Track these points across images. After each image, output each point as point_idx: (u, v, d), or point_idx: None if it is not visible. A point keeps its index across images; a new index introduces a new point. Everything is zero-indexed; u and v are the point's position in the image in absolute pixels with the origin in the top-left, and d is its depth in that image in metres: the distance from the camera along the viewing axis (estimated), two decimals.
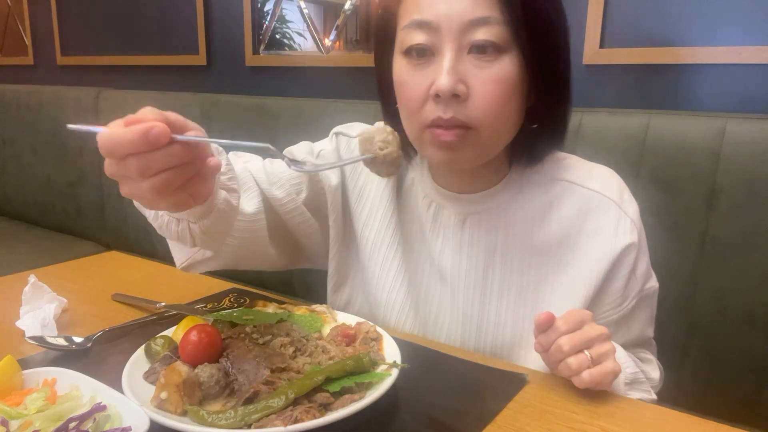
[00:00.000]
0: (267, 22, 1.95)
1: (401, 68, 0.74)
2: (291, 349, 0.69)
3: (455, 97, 0.70)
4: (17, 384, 0.63)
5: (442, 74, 0.69)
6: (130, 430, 0.56)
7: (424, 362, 0.75)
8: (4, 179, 2.68)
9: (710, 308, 1.15)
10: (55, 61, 2.69)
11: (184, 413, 0.60)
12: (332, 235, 0.94)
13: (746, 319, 1.12)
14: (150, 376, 0.66)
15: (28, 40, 2.81)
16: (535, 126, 0.77)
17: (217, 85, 2.12)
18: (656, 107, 1.25)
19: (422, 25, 0.71)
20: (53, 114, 2.39)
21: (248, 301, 0.91)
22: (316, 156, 0.93)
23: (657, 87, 1.32)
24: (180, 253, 0.85)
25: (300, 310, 0.81)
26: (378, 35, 0.81)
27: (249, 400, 0.60)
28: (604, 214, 0.79)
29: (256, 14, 1.96)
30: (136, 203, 0.67)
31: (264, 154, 0.76)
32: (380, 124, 0.69)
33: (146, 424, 0.55)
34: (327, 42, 1.85)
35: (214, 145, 0.73)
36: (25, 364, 0.68)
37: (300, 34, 1.91)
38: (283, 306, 0.83)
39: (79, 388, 0.62)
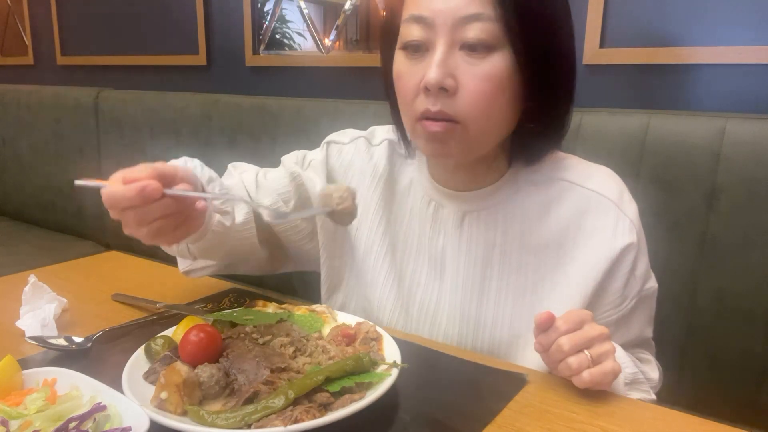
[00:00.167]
0: (267, 22, 1.95)
1: (399, 62, 0.76)
2: (291, 349, 0.69)
3: (443, 91, 0.71)
4: (17, 384, 0.63)
5: (431, 68, 0.70)
6: (130, 430, 0.56)
7: (424, 362, 0.75)
8: (4, 179, 2.68)
9: (710, 308, 1.15)
10: (55, 61, 2.69)
11: (184, 413, 0.60)
12: (321, 241, 0.96)
13: (746, 320, 1.12)
14: (150, 376, 0.66)
15: (28, 40, 2.81)
16: (533, 125, 0.77)
17: (217, 85, 2.12)
18: (656, 107, 1.25)
19: (418, 20, 0.72)
20: (53, 114, 2.39)
21: (248, 301, 0.91)
22: (307, 166, 0.96)
23: (657, 87, 1.32)
24: (182, 262, 0.95)
25: (300, 310, 0.81)
26: (383, 30, 0.82)
27: (249, 400, 0.61)
28: (603, 214, 0.79)
29: (256, 14, 1.96)
30: None
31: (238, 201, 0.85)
32: (337, 186, 0.71)
33: (146, 424, 0.55)
34: (327, 42, 1.85)
35: (209, 171, 0.85)
36: (25, 364, 0.68)
37: (300, 34, 1.91)
38: (283, 306, 0.83)
39: (79, 388, 0.62)
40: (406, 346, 0.73)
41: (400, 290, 0.89)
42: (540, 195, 0.82)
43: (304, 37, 1.90)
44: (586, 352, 0.67)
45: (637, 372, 0.80)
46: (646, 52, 1.30)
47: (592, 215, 0.79)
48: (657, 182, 1.16)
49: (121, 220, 0.66)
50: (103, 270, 1.15)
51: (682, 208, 1.15)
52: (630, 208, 0.80)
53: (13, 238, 2.40)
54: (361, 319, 0.79)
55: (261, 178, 0.97)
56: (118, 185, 0.64)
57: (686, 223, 1.15)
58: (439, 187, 0.86)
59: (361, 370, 0.65)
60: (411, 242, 0.89)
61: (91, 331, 0.81)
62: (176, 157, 0.88)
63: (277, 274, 1.04)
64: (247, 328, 0.73)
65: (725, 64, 1.23)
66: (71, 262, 1.20)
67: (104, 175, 0.68)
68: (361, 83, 1.74)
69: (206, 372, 0.63)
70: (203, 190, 0.77)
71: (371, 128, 0.97)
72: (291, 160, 0.98)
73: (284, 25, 1.94)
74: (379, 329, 0.76)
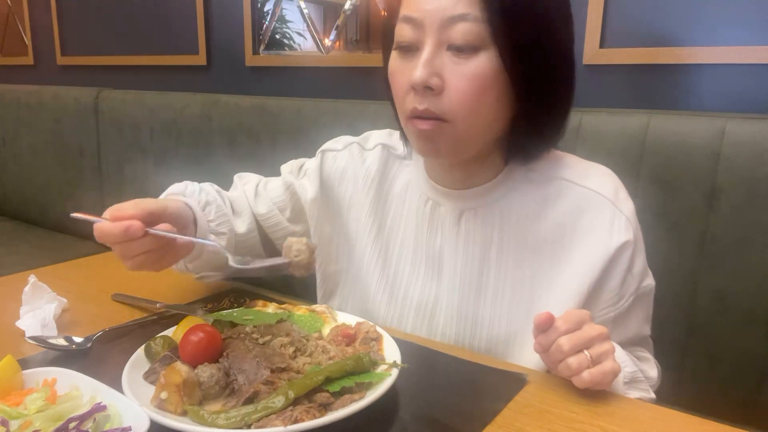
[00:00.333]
0: (267, 22, 1.95)
1: (393, 61, 0.78)
2: (291, 349, 0.69)
3: (429, 90, 0.72)
4: (17, 384, 0.63)
5: (417, 68, 0.72)
6: (130, 430, 0.56)
7: (424, 362, 0.75)
8: (4, 179, 2.68)
9: (710, 308, 1.15)
10: (55, 61, 2.69)
11: (184, 413, 0.60)
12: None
13: (746, 319, 1.12)
14: (150, 376, 0.66)
15: (28, 40, 2.81)
16: (527, 124, 0.78)
17: (217, 85, 2.12)
18: (656, 107, 1.25)
19: (409, 21, 0.73)
20: (53, 114, 2.39)
21: (248, 301, 0.91)
22: (303, 175, 0.99)
23: (657, 87, 1.32)
24: (187, 271, 0.97)
25: (300, 310, 0.81)
26: (382, 31, 0.83)
27: (249, 400, 0.61)
28: (599, 212, 0.79)
29: (256, 14, 1.96)
30: None
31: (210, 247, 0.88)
32: (298, 240, 0.75)
33: (146, 424, 0.56)
34: (327, 42, 1.85)
35: (206, 196, 0.92)
36: (25, 364, 0.68)
37: (300, 34, 1.91)
38: (283, 306, 0.83)
39: (79, 388, 0.62)
40: (406, 346, 0.73)
41: (396, 291, 0.90)
42: (537, 193, 0.82)
43: (304, 37, 1.90)
44: (585, 352, 0.67)
45: (636, 371, 0.80)
46: (646, 52, 1.30)
47: (588, 213, 0.80)
48: (657, 182, 1.17)
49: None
50: (103, 270, 1.15)
51: (682, 208, 1.15)
52: (626, 206, 0.80)
53: (13, 238, 2.40)
54: (361, 319, 0.79)
55: (261, 188, 1.01)
56: (107, 222, 0.73)
57: (686, 223, 1.15)
58: (436, 185, 0.86)
59: (361, 370, 0.65)
60: (407, 243, 0.89)
61: (91, 331, 0.81)
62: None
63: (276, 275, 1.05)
64: (247, 328, 0.73)
65: (725, 64, 1.23)
66: (71, 262, 1.20)
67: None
68: (361, 83, 1.74)
69: (206, 372, 0.63)
70: (194, 220, 0.86)
71: (366, 133, 0.98)
72: (287, 169, 1.02)
73: (284, 25, 1.94)
74: (379, 329, 0.76)
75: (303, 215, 0.99)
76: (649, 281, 0.83)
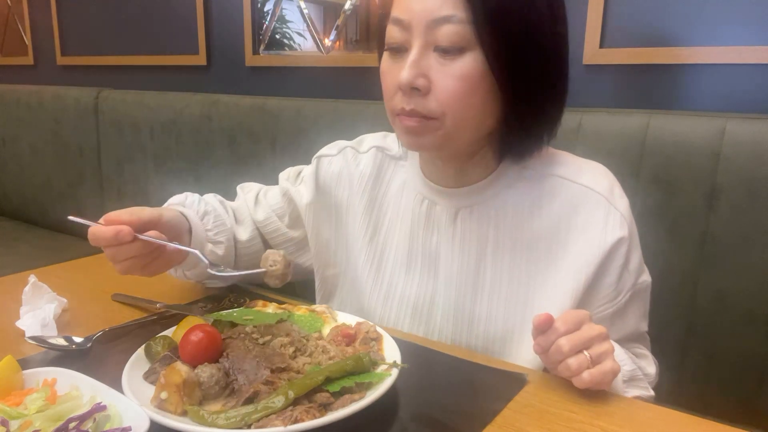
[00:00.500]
0: (267, 22, 1.95)
1: (384, 62, 0.79)
2: (291, 349, 0.69)
3: (416, 91, 0.73)
4: (17, 384, 0.63)
5: (404, 69, 0.73)
6: (130, 430, 0.56)
7: (424, 362, 0.75)
8: (4, 179, 2.68)
9: (710, 308, 1.15)
10: (55, 61, 2.69)
11: (184, 413, 0.60)
12: (313, 250, 1.00)
13: (746, 319, 1.12)
14: (150, 376, 0.66)
15: (28, 40, 2.81)
16: (518, 123, 0.78)
17: (217, 85, 2.12)
18: (656, 107, 1.25)
19: (398, 23, 0.75)
20: (53, 114, 2.39)
21: (248, 301, 0.91)
22: (300, 181, 1.01)
23: (657, 87, 1.32)
24: (185, 278, 0.98)
25: (300, 310, 0.81)
26: (377, 32, 0.85)
27: (249, 400, 0.61)
28: (594, 208, 0.80)
29: (256, 14, 1.96)
30: None
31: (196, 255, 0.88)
32: (274, 252, 0.77)
33: (146, 424, 0.56)
34: (327, 42, 1.85)
35: (204, 206, 0.95)
36: (25, 364, 0.68)
37: (300, 34, 1.92)
38: (283, 306, 0.83)
39: (79, 388, 0.62)
40: (405, 347, 0.73)
41: (393, 291, 0.90)
42: (532, 190, 0.83)
43: (304, 37, 1.90)
44: (585, 352, 0.67)
45: (635, 369, 0.80)
46: (646, 52, 1.30)
47: (583, 210, 0.80)
48: (657, 182, 1.17)
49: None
50: (103, 270, 1.14)
51: (682, 208, 1.15)
52: (621, 202, 0.81)
53: (13, 238, 2.40)
54: (361, 319, 0.79)
55: (261, 196, 1.03)
56: (100, 226, 0.76)
57: (686, 223, 1.15)
58: (431, 184, 0.87)
59: (361, 370, 0.65)
60: (404, 242, 0.90)
61: (91, 331, 0.81)
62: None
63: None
64: (247, 328, 0.73)
65: (725, 64, 1.23)
66: (71, 262, 1.20)
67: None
68: (361, 83, 1.74)
69: (206, 372, 0.63)
70: (189, 230, 0.89)
71: (360, 137, 1.00)
72: (284, 176, 1.04)
73: (284, 25, 1.94)
74: (379, 329, 0.76)
75: (301, 221, 1.00)
76: (646, 277, 0.84)
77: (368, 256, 0.93)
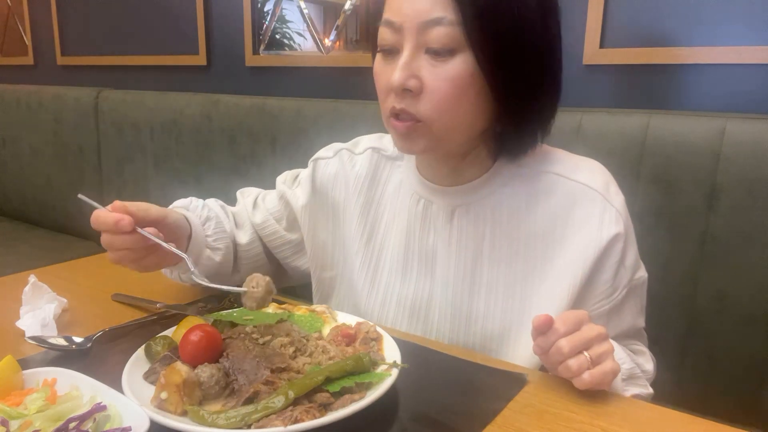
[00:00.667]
0: (267, 22, 1.95)
1: (376, 63, 0.80)
2: (291, 349, 0.69)
3: (408, 92, 0.74)
4: (17, 384, 0.63)
5: (395, 70, 0.74)
6: (130, 430, 0.56)
7: (424, 362, 0.75)
8: (4, 179, 2.68)
9: (710, 308, 1.15)
10: (55, 61, 2.69)
11: (184, 413, 0.60)
12: (309, 252, 1.00)
13: (746, 319, 1.12)
14: (150, 376, 0.66)
15: (28, 40, 2.81)
16: (510, 122, 0.78)
17: (217, 85, 2.12)
18: (656, 107, 1.26)
19: (389, 25, 0.75)
20: (53, 114, 2.39)
21: None
22: (297, 184, 1.02)
23: (657, 87, 1.32)
24: (181, 281, 0.99)
25: (300, 310, 0.81)
26: (370, 35, 0.84)
27: (249, 400, 0.61)
28: (589, 205, 0.80)
29: (256, 14, 1.96)
30: None
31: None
32: (258, 275, 0.75)
33: (146, 424, 0.56)
34: (327, 42, 1.85)
35: (207, 211, 0.96)
36: (25, 364, 0.68)
37: (300, 34, 1.92)
38: (283, 306, 0.83)
39: (79, 388, 0.62)
40: (406, 347, 0.73)
41: (390, 291, 0.90)
42: (527, 188, 0.83)
43: (304, 37, 1.90)
44: (585, 353, 0.67)
45: (634, 367, 0.81)
46: (646, 52, 1.30)
47: (579, 207, 0.80)
48: (657, 182, 1.17)
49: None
50: (103, 270, 1.15)
51: (682, 208, 1.15)
52: (616, 199, 0.81)
53: (13, 238, 2.40)
54: (361, 319, 0.79)
55: (260, 200, 1.05)
56: (104, 211, 0.78)
57: (686, 223, 1.15)
58: (427, 183, 0.87)
59: (361, 370, 0.65)
60: (401, 242, 0.90)
61: (91, 331, 0.81)
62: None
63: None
64: (247, 328, 0.73)
65: (725, 64, 1.23)
66: (71, 262, 1.20)
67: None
68: (361, 83, 1.74)
69: (206, 372, 0.63)
70: (189, 234, 0.90)
71: (356, 139, 1.00)
72: (281, 179, 1.05)
73: (284, 25, 1.94)
74: (379, 329, 0.76)
75: (298, 224, 1.01)
76: (642, 273, 0.84)
77: (365, 258, 0.93)
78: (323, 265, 0.99)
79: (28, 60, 2.83)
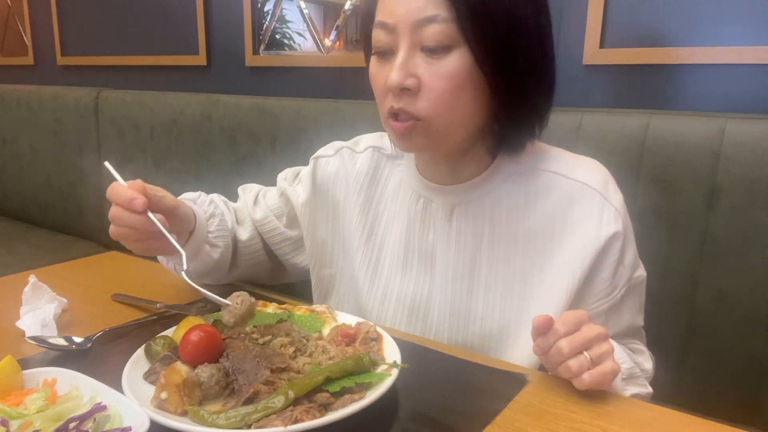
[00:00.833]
0: (267, 22, 1.95)
1: (372, 65, 0.80)
2: (291, 349, 0.69)
3: (406, 91, 0.74)
4: (17, 384, 0.63)
5: (393, 70, 0.74)
6: (130, 430, 0.56)
7: (424, 362, 0.75)
8: (4, 179, 2.68)
9: (710, 308, 1.15)
10: (55, 61, 2.69)
11: (184, 413, 0.60)
12: (309, 250, 1.01)
13: (746, 319, 1.12)
14: (150, 376, 0.66)
15: (28, 40, 2.81)
16: (507, 118, 0.79)
17: (217, 85, 2.12)
18: (656, 107, 1.25)
19: (383, 26, 0.76)
20: (53, 114, 2.39)
21: None
22: (297, 182, 1.02)
23: (657, 87, 1.32)
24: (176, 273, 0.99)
25: (300, 310, 0.81)
26: (363, 37, 0.85)
27: (249, 400, 0.61)
28: (588, 204, 0.80)
29: (256, 14, 1.96)
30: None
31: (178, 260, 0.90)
32: (243, 294, 0.75)
33: (146, 424, 0.56)
34: (327, 42, 1.85)
35: (213, 208, 0.98)
36: (25, 364, 0.68)
37: (300, 34, 1.92)
38: (283, 306, 0.83)
39: (79, 388, 0.62)
40: (406, 346, 0.73)
41: (390, 290, 0.91)
42: (526, 186, 0.83)
43: (304, 37, 1.90)
44: (585, 353, 0.67)
45: (634, 366, 0.81)
46: (646, 52, 1.30)
47: (577, 205, 0.80)
48: (657, 182, 1.17)
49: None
50: (103, 270, 1.15)
51: (682, 208, 1.15)
52: (615, 197, 0.81)
53: (13, 238, 2.40)
54: (361, 319, 0.79)
55: (261, 197, 1.05)
56: (123, 185, 0.78)
57: (686, 223, 1.15)
58: (427, 182, 0.87)
59: (361, 370, 0.65)
60: (400, 240, 0.90)
61: (91, 331, 0.81)
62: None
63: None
64: (247, 328, 0.73)
65: (725, 64, 1.23)
66: (71, 262, 1.20)
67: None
68: (361, 83, 1.73)
69: (206, 372, 0.63)
70: (192, 229, 0.91)
71: (357, 137, 1.00)
72: (282, 177, 1.05)
73: (284, 25, 1.94)
74: (379, 329, 0.76)
75: (298, 221, 1.01)
76: (641, 272, 0.84)
77: (365, 256, 0.93)
78: (322, 262, 0.99)
79: (28, 60, 2.83)
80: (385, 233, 0.92)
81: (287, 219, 1.02)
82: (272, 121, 1.73)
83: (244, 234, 1.01)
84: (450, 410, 0.65)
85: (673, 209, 1.16)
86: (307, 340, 0.71)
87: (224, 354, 0.67)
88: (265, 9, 1.94)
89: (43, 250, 2.21)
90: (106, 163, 0.83)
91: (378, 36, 0.77)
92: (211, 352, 0.67)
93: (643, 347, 0.89)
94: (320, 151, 1.01)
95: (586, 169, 0.83)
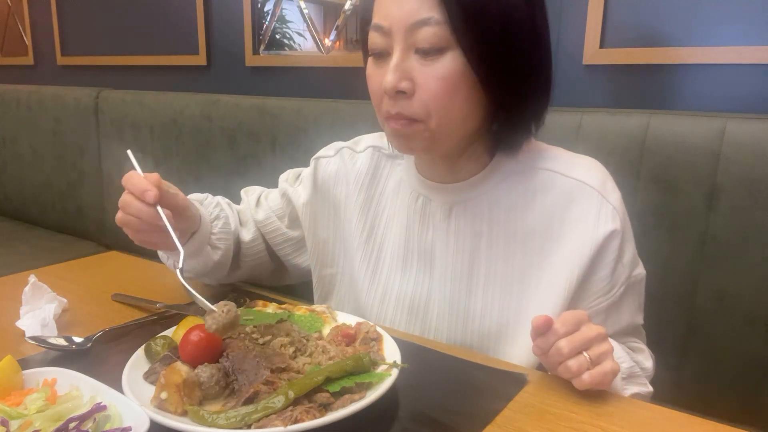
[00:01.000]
0: (267, 22, 1.95)
1: (369, 67, 0.81)
2: (291, 349, 0.69)
3: (401, 93, 0.75)
4: (17, 384, 0.63)
5: (387, 73, 0.74)
6: (130, 430, 0.56)
7: (424, 362, 0.75)
8: (4, 179, 2.68)
9: (710, 308, 1.15)
10: (55, 61, 2.69)
11: (184, 413, 0.60)
12: (310, 249, 1.01)
13: (746, 319, 1.12)
14: (150, 376, 0.66)
15: (28, 40, 2.81)
16: (505, 117, 0.79)
17: (217, 85, 2.12)
18: (656, 107, 1.25)
19: (378, 29, 0.76)
20: (53, 114, 2.39)
21: (248, 301, 0.91)
22: (299, 183, 1.03)
23: (657, 87, 1.32)
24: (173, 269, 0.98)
25: (300, 310, 0.81)
26: (360, 40, 0.86)
27: (249, 400, 0.61)
28: (586, 202, 0.80)
29: (256, 14, 1.96)
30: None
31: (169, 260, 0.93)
32: (230, 303, 0.74)
33: (146, 424, 0.56)
34: (327, 42, 1.85)
35: (218, 210, 0.98)
36: (25, 364, 0.68)
37: (300, 34, 1.92)
38: (283, 306, 0.83)
39: (79, 388, 0.62)
40: (406, 346, 0.73)
41: (389, 289, 0.91)
42: (524, 184, 0.83)
43: (304, 37, 1.90)
44: (585, 353, 0.67)
45: (634, 365, 0.81)
46: (646, 52, 1.30)
47: (575, 203, 0.81)
48: (657, 182, 1.17)
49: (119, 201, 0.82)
50: (103, 270, 1.15)
51: (682, 208, 1.15)
52: (613, 195, 0.81)
53: (13, 238, 2.40)
54: (361, 319, 0.79)
55: (263, 198, 1.06)
56: (139, 175, 0.80)
57: (686, 223, 1.15)
58: (426, 181, 0.88)
59: (361, 370, 0.65)
60: (400, 240, 0.90)
61: (91, 331, 0.81)
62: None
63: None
64: (247, 328, 0.73)
65: (725, 64, 1.23)
66: (71, 262, 1.20)
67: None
68: (362, 83, 1.73)
69: (206, 372, 0.63)
70: (195, 231, 0.91)
71: (357, 137, 1.01)
72: (284, 178, 1.06)
73: (284, 25, 1.94)
74: (379, 329, 0.76)
75: (299, 221, 1.02)
76: (640, 270, 0.84)
77: (365, 255, 0.93)
78: (324, 262, 1.00)
79: (28, 60, 2.83)
80: (385, 232, 0.92)
81: (289, 219, 1.03)
82: (272, 121, 1.73)
83: (247, 235, 1.02)
84: (450, 410, 0.65)
85: (673, 209, 1.16)
86: (307, 340, 0.72)
87: (224, 354, 0.67)
88: (265, 9, 1.94)
89: (43, 250, 2.21)
90: (129, 152, 0.84)
91: (374, 38, 0.77)
92: (211, 352, 0.67)
93: (643, 345, 0.89)
94: (321, 152, 1.01)
95: (584, 167, 0.83)
